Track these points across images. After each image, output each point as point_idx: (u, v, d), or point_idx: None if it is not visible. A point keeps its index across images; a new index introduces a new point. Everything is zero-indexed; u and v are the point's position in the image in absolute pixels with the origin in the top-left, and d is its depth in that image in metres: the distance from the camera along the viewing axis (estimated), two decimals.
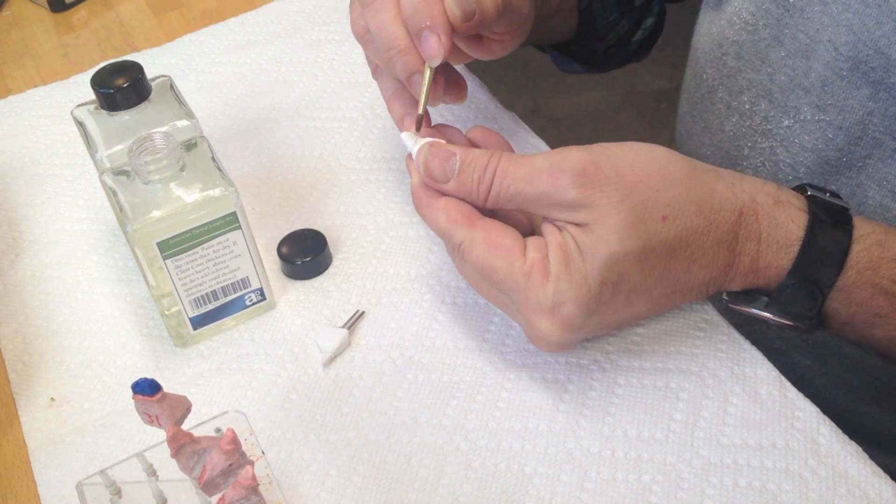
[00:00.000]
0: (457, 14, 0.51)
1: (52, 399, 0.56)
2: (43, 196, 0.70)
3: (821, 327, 0.51)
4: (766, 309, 0.50)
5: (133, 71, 0.57)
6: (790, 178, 0.59)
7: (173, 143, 0.53)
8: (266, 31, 0.84)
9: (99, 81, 0.57)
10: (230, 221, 0.54)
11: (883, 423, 0.66)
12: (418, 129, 0.53)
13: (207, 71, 0.80)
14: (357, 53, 0.80)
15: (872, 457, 0.49)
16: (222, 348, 0.58)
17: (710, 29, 0.64)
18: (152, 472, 0.48)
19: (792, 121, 0.58)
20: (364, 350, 0.57)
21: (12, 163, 0.73)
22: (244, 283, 0.57)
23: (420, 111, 0.53)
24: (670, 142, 0.74)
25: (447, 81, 0.57)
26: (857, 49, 0.52)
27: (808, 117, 0.57)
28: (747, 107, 0.61)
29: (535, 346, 0.52)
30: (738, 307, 0.51)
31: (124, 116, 0.57)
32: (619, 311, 0.49)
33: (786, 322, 0.50)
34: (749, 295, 0.51)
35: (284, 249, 0.61)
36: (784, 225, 0.49)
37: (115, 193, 0.53)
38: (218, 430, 0.49)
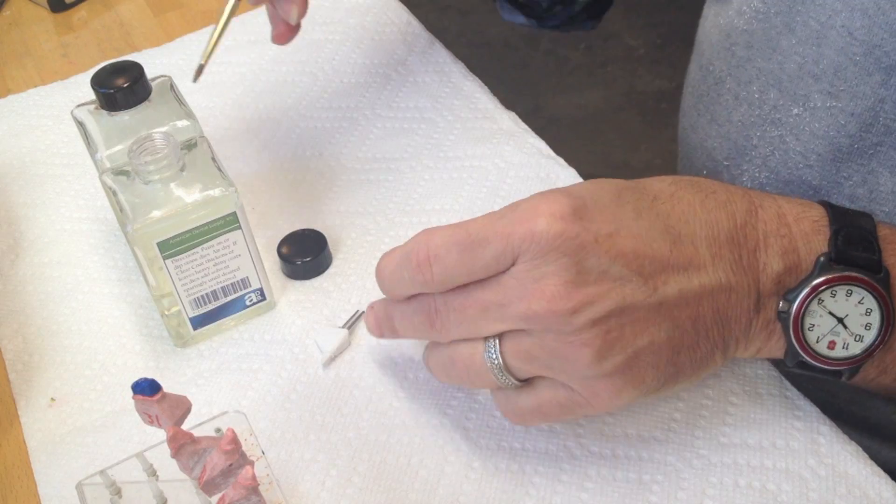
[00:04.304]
0: None
1: (52, 399, 0.56)
2: (43, 196, 0.70)
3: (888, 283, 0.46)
4: (827, 269, 0.45)
5: (133, 71, 0.57)
6: (801, 165, 0.59)
7: (173, 143, 0.53)
8: (266, 31, 0.83)
9: (99, 81, 0.57)
10: (230, 221, 0.54)
11: (887, 416, 0.65)
12: (196, 77, 0.51)
13: (207, 71, 0.79)
14: (357, 53, 0.80)
15: (877, 451, 0.49)
16: (222, 348, 0.58)
17: (717, 21, 0.64)
18: (152, 472, 0.48)
19: (801, 108, 0.57)
20: (364, 350, 0.57)
21: (12, 163, 0.73)
22: (244, 283, 0.57)
23: (207, 55, 0.51)
24: (670, 141, 0.74)
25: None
26: (872, 33, 0.52)
27: (818, 104, 0.56)
28: (756, 96, 0.60)
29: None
30: (799, 292, 0.45)
31: (124, 116, 0.57)
32: (612, 213, 0.45)
33: (857, 277, 0.45)
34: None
35: (284, 249, 0.61)
36: (796, 200, 0.48)
37: (115, 193, 0.54)
38: (218, 430, 0.49)
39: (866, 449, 0.50)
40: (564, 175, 0.66)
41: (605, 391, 0.45)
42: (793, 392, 0.52)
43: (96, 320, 0.61)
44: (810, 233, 0.46)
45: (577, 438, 0.51)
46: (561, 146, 0.70)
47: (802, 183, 0.58)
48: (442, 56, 0.78)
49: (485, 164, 0.68)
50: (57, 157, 0.73)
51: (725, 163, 0.64)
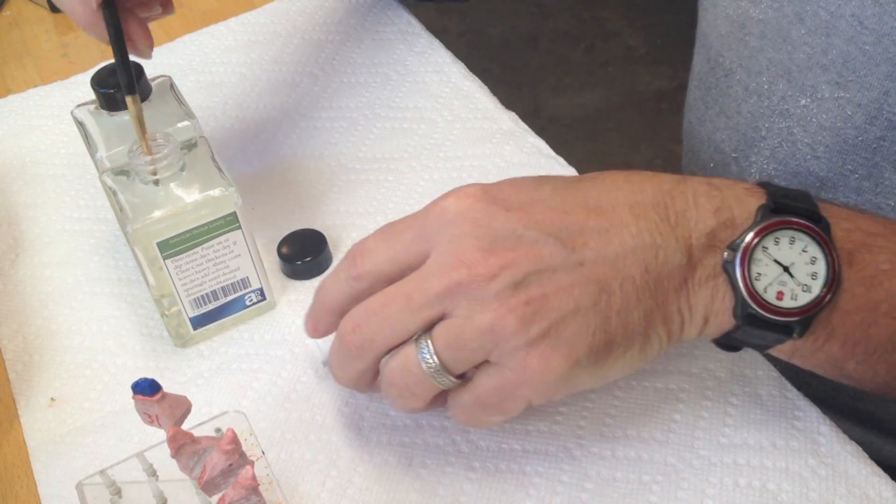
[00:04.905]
0: None
1: (52, 399, 0.56)
2: (43, 196, 0.70)
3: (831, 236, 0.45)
4: (767, 217, 0.44)
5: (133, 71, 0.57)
6: (808, 157, 0.58)
7: (173, 143, 0.53)
8: (266, 32, 0.84)
9: (99, 81, 0.57)
10: (230, 221, 0.54)
11: (890, 412, 0.65)
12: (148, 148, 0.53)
13: (207, 71, 0.80)
14: (357, 53, 0.80)
15: (880, 447, 0.49)
16: (222, 348, 0.58)
17: (725, 11, 0.64)
18: (152, 472, 0.48)
19: (809, 100, 0.57)
20: None
21: (12, 163, 0.73)
22: (244, 283, 0.57)
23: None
24: (671, 141, 0.75)
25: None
26: (883, 21, 0.52)
27: (826, 95, 0.56)
28: (766, 87, 0.60)
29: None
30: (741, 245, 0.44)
31: (124, 116, 0.57)
32: (527, 192, 0.46)
33: (799, 222, 0.44)
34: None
35: (284, 249, 0.61)
36: (732, 179, 0.48)
37: (115, 193, 0.54)
38: (218, 430, 0.49)
39: (869, 444, 0.50)
40: (564, 175, 0.66)
41: (536, 362, 0.43)
42: (793, 392, 0.52)
43: (96, 320, 0.61)
44: (743, 195, 0.45)
45: (577, 439, 0.51)
46: (561, 146, 0.70)
47: (810, 174, 0.58)
48: (442, 56, 0.78)
49: (485, 164, 0.68)
50: (57, 157, 0.73)
51: (734, 155, 0.64)
